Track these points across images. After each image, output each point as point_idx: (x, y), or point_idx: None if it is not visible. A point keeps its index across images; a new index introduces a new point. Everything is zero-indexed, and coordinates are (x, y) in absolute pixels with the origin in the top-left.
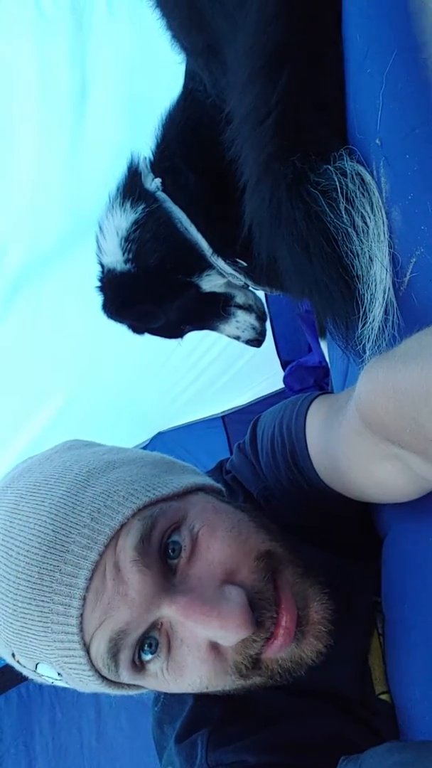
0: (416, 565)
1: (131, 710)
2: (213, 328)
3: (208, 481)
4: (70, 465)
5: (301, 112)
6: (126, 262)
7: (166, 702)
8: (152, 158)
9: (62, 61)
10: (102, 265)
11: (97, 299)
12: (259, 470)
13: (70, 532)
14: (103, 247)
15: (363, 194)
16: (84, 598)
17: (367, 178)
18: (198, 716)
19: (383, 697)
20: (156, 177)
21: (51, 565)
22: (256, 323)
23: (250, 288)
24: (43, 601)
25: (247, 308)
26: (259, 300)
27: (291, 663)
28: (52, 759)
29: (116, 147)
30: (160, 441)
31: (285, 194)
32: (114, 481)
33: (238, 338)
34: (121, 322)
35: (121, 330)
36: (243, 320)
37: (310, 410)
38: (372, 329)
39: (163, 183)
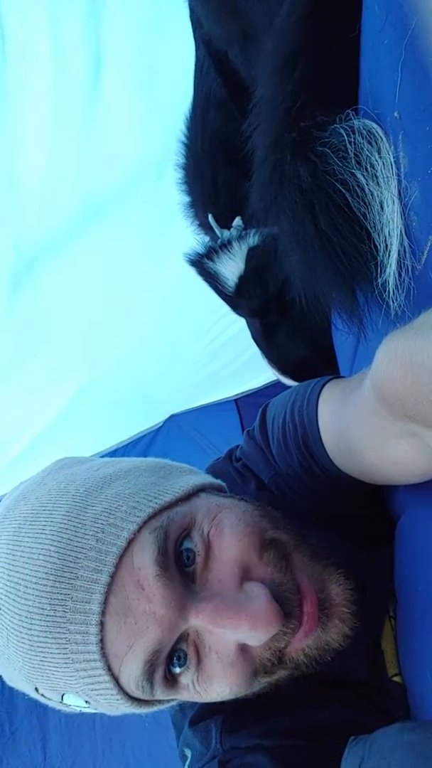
0: (430, 548)
1: None
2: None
3: (208, 479)
4: (66, 486)
5: (311, 98)
6: None
7: None
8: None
9: (76, 36)
10: None
11: (111, 283)
12: (270, 457)
13: (77, 557)
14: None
15: (371, 143)
16: (101, 623)
17: (374, 127)
18: (214, 702)
19: (396, 679)
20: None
21: (62, 594)
22: None
23: None
24: (59, 632)
25: None
26: None
27: (317, 650)
28: (65, 734)
29: (132, 124)
30: (173, 423)
31: (289, 158)
32: (113, 496)
33: None
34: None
35: (133, 313)
36: None
37: (322, 394)
38: (393, 274)
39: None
